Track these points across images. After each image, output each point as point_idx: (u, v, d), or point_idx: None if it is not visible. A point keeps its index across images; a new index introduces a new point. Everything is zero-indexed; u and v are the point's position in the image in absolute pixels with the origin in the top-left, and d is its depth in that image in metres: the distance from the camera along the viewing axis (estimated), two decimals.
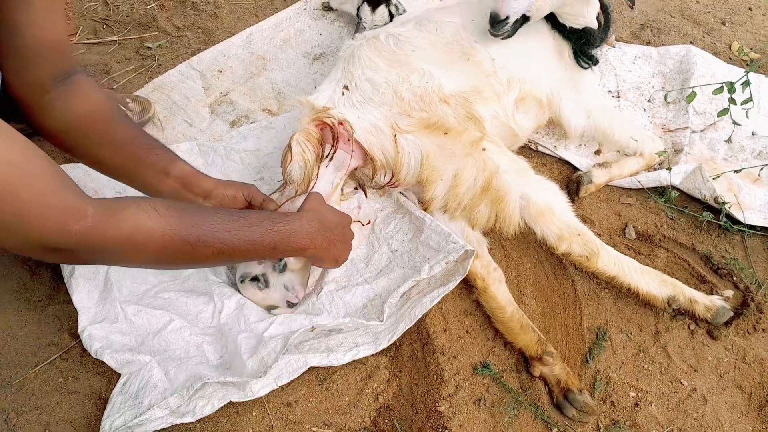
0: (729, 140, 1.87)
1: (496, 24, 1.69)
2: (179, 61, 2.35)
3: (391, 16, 2.17)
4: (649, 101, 2.19)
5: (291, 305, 1.49)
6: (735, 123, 1.75)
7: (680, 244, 1.78)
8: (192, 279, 1.57)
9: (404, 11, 2.20)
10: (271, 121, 1.99)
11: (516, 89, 1.80)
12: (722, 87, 1.68)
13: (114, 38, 2.48)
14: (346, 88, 1.69)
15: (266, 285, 1.46)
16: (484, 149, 1.62)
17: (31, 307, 1.56)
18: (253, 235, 1.18)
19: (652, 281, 1.58)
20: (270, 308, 1.49)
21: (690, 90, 1.80)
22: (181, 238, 1.07)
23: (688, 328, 1.57)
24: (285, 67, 2.32)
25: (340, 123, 1.61)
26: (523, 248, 1.75)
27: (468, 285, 1.61)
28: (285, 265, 1.45)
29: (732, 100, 1.68)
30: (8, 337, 1.50)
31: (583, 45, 1.93)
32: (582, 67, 1.97)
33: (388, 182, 1.69)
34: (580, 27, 1.89)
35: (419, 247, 1.63)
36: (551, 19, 1.91)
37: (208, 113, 2.12)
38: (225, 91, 2.21)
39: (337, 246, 1.42)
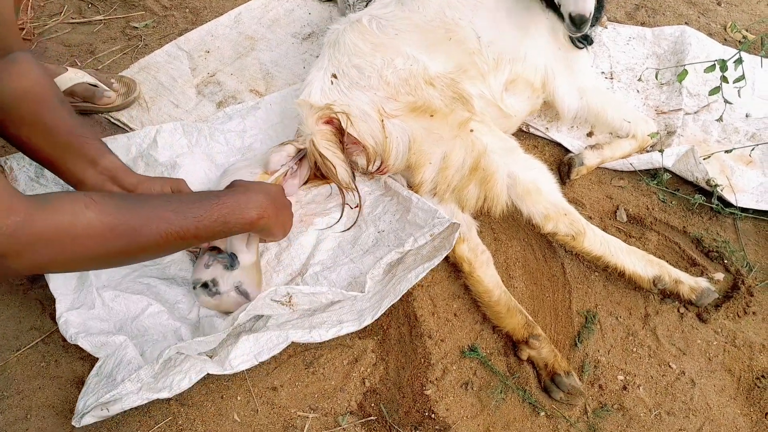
0: (720, 119, 1.84)
1: (583, 24, 1.65)
2: (166, 41, 2.31)
3: None
4: (640, 80, 2.15)
5: None
6: (726, 102, 1.72)
7: (671, 227, 1.77)
8: (173, 267, 1.54)
9: None
10: (257, 102, 1.96)
11: (506, 70, 1.76)
12: (714, 65, 1.64)
13: (99, 18, 2.43)
14: (335, 76, 1.66)
15: (217, 291, 1.41)
16: (471, 130, 1.59)
17: (12, 290, 1.53)
18: (199, 211, 1.11)
19: (638, 261, 1.56)
20: (227, 313, 1.45)
21: (682, 68, 1.76)
22: (124, 223, 0.99)
23: (678, 311, 1.56)
24: (273, 47, 2.28)
25: (344, 114, 1.60)
26: (512, 231, 1.72)
27: (457, 269, 1.59)
28: (234, 258, 1.41)
29: (724, 79, 1.64)
30: None
31: None
32: (577, 47, 1.93)
33: (378, 169, 1.67)
34: None
35: (406, 226, 1.61)
36: None
37: (195, 94, 2.08)
38: (212, 71, 2.17)
39: (284, 213, 1.38)
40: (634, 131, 1.92)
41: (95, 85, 1.96)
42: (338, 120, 1.60)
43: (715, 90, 1.68)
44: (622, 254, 1.56)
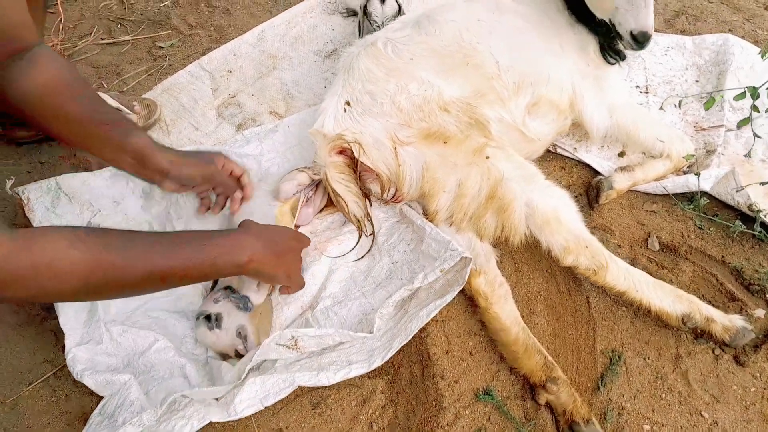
0: (749, 155, 1.69)
1: (647, 41, 1.59)
2: (190, 60, 2.31)
3: (399, 7, 2.07)
4: (662, 108, 2.01)
5: (240, 357, 1.39)
6: (756, 136, 1.56)
7: (709, 257, 1.65)
8: (183, 300, 1.53)
9: None
10: (276, 124, 1.93)
11: (527, 94, 1.68)
12: (744, 92, 1.50)
13: (127, 38, 2.46)
14: (348, 103, 1.62)
15: (218, 326, 1.37)
16: (487, 157, 1.52)
17: (29, 320, 1.55)
18: (187, 253, 1.12)
19: (665, 297, 1.46)
20: (223, 355, 1.41)
21: (708, 95, 1.62)
22: (108, 263, 1.00)
23: (713, 352, 1.45)
24: (295, 66, 2.25)
25: (356, 143, 1.56)
26: (535, 261, 1.64)
27: (473, 302, 1.52)
28: (248, 301, 1.39)
29: (755, 108, 1.50)
30: (6, 352, 1.49)
31: (612, 39, 1.79)
32: (609, 63, 1.83)
33: (392, 197, 1.61)
34: (606, 19, 1.75)
35: (420, 258, 1.56)
36: (576, 12, 1.78)
37: (215, 116, 2.07)
38: (233, 92, 2.16)
39: (286, 258, 1.34)
40: (668, 151, 1.81)
41: (118, 109, 1.97)
42: (351, 150, 1.56)
43: (745, 121, 1.55)
44: (647, 289, 1.46)
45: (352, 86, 1.65)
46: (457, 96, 1.60)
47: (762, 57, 1.52)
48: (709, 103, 1.60)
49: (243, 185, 1.54)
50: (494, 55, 1.65)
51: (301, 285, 1.46)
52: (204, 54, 2.33)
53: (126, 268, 1.03)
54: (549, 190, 1.52)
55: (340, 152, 1.61)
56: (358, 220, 1.61)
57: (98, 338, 1.41)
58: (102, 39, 2.47)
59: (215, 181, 1.48)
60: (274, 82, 2.18)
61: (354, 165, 1.59)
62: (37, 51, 1.25)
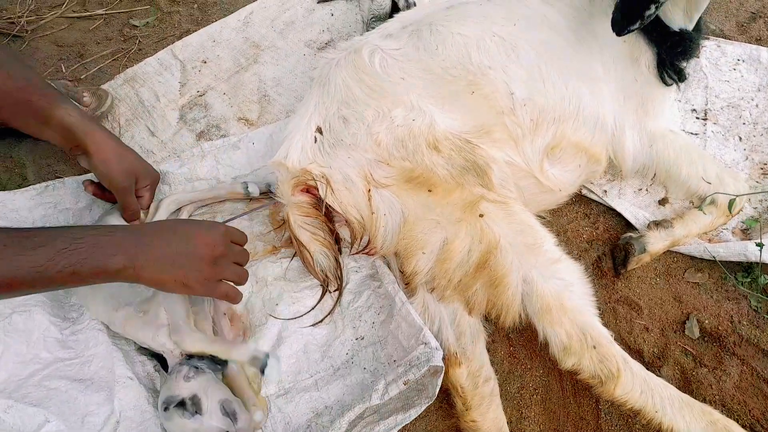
0: None
1: None
2: (163, 45, 1.99)
3: (395, 5, 1.69)
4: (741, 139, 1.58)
5: None
6: None
7: (763, 353, 1.27)
8: (94, 363, 1.24)
9: None
10: (240, 138, 1.60)
11: (548, 133, 1.31)
12: None
13: (101, 12, 2.14)
14: (319, 130, 1.29)
15: (198, 411, 1.07)
16: (482, 215, 1.17)
17: None
18: (39, 259, 0.91)
19: (694, 422, 1.10)
20: None
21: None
22: None
23: None
24: (281, 59, 1.90)
25: (324, 179, 1.27)
26: (536, 346, 1.29)
27: (450, 397, 1.20)
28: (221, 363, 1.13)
29: None
30: None
31: (678, 54, 1.39)
32: (665, 83, 1.43)
33: (364, 249, 1.29)
34: (676, 29, 1.35)
35: (388, 339, 1.24)
36: None
37: (177, 119, 1.74)
38: (203, 89, 1.83)
39: (182, 262, 1.03)
40: (714, 196, 1.41)
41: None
42: (318, 188, 1.25)
43: None
44: (671, 409, 1.10)
45: (326, 107, 1.32)
46: (453, 131, 1.25)
47: None
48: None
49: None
50: (509, 84, 1.27)
51: (215, 293, 1.09)
52: (180, 38, 2.00)
53: None
54: (555, 267, 1.16)
55: (305, 190, 1.29)
56: (326, 276, 1.30)
57: None
58: (74, 11, 2.16)
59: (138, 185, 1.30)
60: (252, 79, 1.84)
61: (323, 206, 1.28)
62: None
